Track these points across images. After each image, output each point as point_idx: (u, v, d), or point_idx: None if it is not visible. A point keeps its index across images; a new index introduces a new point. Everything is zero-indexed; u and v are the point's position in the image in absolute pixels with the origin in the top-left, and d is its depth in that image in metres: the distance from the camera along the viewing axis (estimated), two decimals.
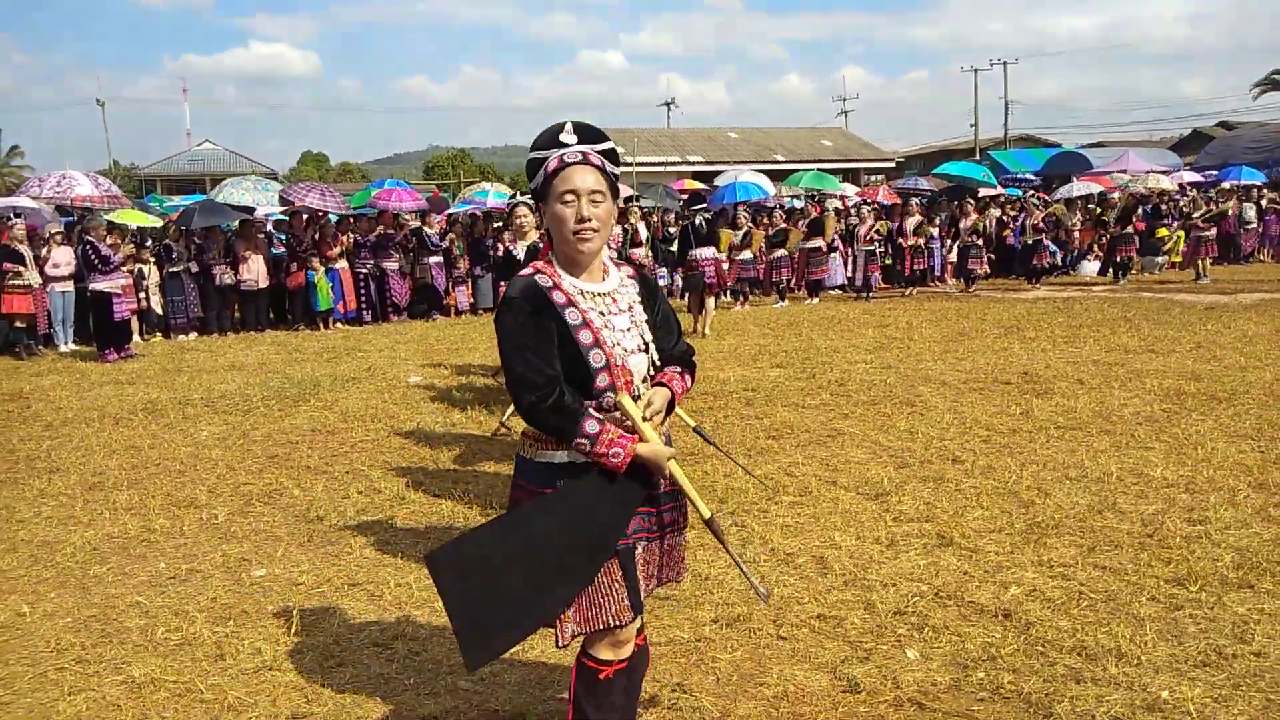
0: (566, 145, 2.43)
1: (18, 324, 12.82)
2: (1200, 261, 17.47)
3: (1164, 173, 24.87)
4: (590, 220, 2.36)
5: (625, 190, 16.48)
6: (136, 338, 13.59)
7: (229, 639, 3.78)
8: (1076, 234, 20.14)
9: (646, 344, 2.47)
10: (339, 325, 15.12)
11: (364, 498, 5.74)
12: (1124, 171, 24.07)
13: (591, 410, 2.35)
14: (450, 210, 19.92)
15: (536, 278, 2.42)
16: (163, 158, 53.22)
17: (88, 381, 10.63)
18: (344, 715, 3.19)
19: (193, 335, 14.43)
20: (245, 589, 4.35)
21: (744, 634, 3.73)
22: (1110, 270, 18.43)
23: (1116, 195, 20.38)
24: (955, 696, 3.22)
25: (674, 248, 14.89)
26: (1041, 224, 18.22)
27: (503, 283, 7.40)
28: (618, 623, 2.40)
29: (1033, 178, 25.59)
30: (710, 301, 13.13)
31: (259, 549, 4.88)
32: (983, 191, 20.47)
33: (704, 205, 19.92)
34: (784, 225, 17.34)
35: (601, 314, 2.42)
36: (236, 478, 6.25)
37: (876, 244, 17.22)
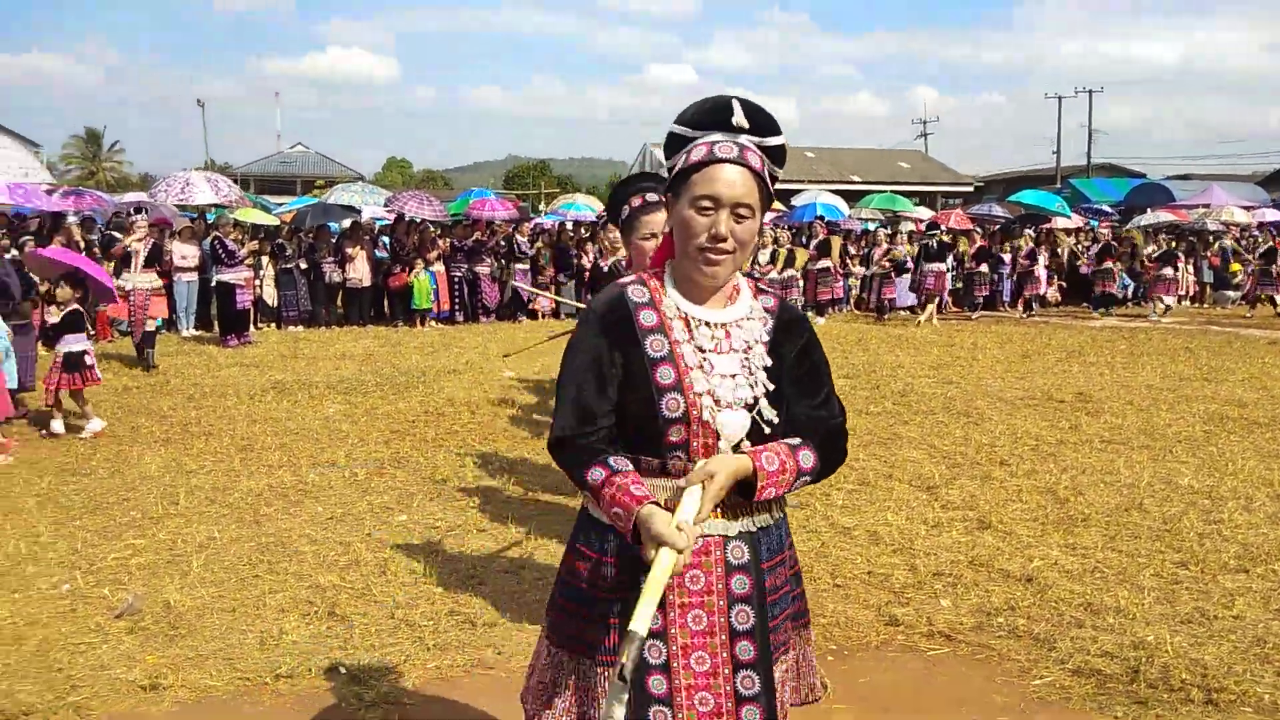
0: (734, 130, 1.95)
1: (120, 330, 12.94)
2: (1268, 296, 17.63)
3: (1248, 208, 24.86)
4: (726, 240, 1.89)
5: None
6: (252, 326, 14.79)
7: (388, 562, 4.70)
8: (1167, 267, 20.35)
9: (756, 398, 1.93)
10: (433, 324, 16.19)
11: (478, 467, 6.64)
12: (1207, 205, 24.14)
13: (610, 459, 1.88)
14: (538, 221, 20.99)
15: (630, 290, 1.99)
16: (254, 159, 55.60)
17: (215, 363, 11.78)
18: (488, 613, 4.08)
19: (300, 327, 15.61)
20: (393, 529, 5.27)
21: (806, 581, 4.48)
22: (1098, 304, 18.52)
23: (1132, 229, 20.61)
24: (978, 633, 3.97)
25: None
26: (1113, 253, 18.56)
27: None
28: None
29: (1109, 210, 25.74)
30: None
31: (398, 500, 5.81)
32: (1059, 222, 20.86)
33: None
34: (790, 246, 17.68)
35: (700, 349, 1.93)
36: (367, 446, 7.21)
37: (886, 269, 17.81)
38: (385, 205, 18.23)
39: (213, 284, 14.08)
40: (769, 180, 1.96)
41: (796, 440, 1.94)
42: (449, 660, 3.72)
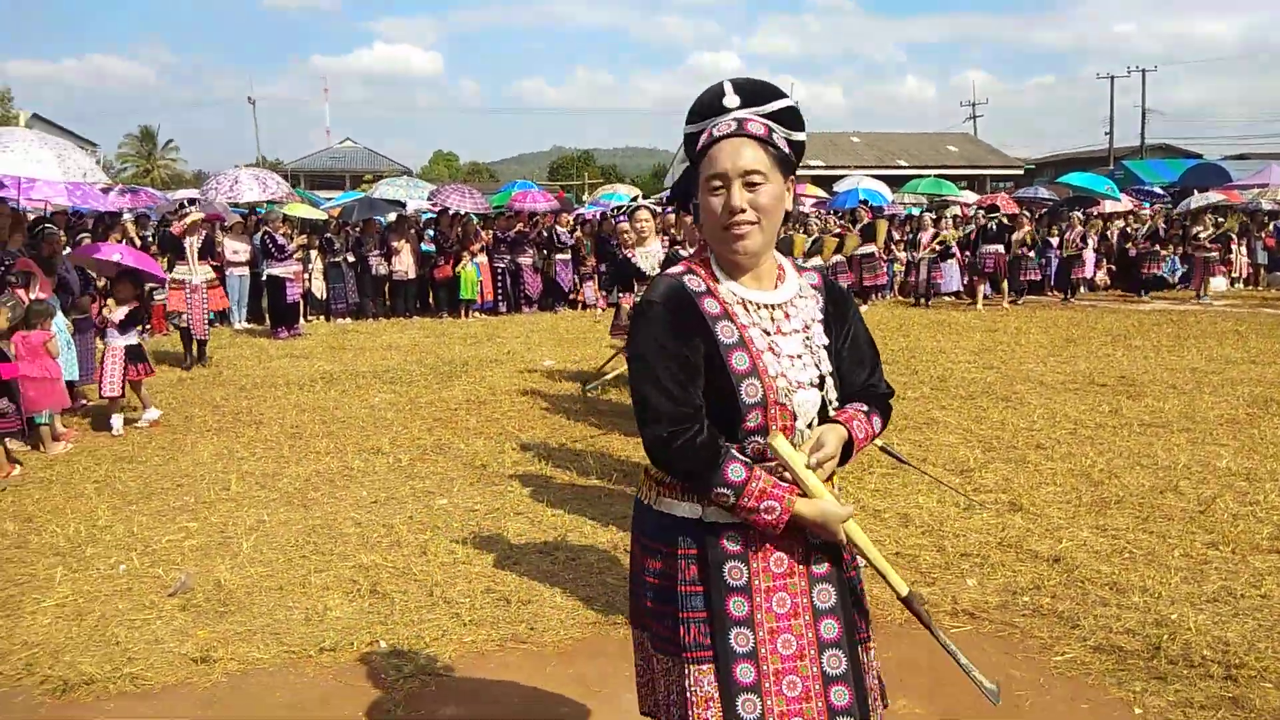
0: (727, 111, 1.97)
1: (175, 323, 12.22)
2: None
3: None
4: (745, 211, 1.89)
5: None
6: (302, 319, 15.14)
7: (428, 543, 4.87)
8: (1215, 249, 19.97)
9: (823, 378, 1.97)
10: (477, 314, 16.42)
11: (517, 453, 6.79)
12: (1265, 185, 23.57)
13: (734, 452, 1.88)
14: (579, 211, 21.14)
15: (686, 278, 1.97)
16: (304, 154, 56.43)
17: (266, 355, 12.10)
18: (523, 591, 4.23)
19: (348, 319, 15.93)
20: (434, 512, 5.44)
21: None
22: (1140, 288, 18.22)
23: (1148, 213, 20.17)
24: (1002, 612, 4.02)
25: None
26: (1162, 234, 18.25)
27: (621, 289, 7.61)
28: None
29: (1160, 191, 25.25)
30: None
31: (439, 485, 5.98)
32: (1109, 205, 20.54)
33: None
34: (840, 230, 17.47)
35: (766, 333, 1.94)
36: (411, 434, 7.40)
37: (935, 253, 17.65)
38: (429, 199, 18.50)
39: (263, 278, 14.45)
40: (785, 146, 1.96)
41: (865, 406, 2.03)
42: (484, 635, 3.87)
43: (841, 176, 28.17)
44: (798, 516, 1.86)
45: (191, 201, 16.35)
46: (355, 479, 6.18)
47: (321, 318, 15.95)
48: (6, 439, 6.64)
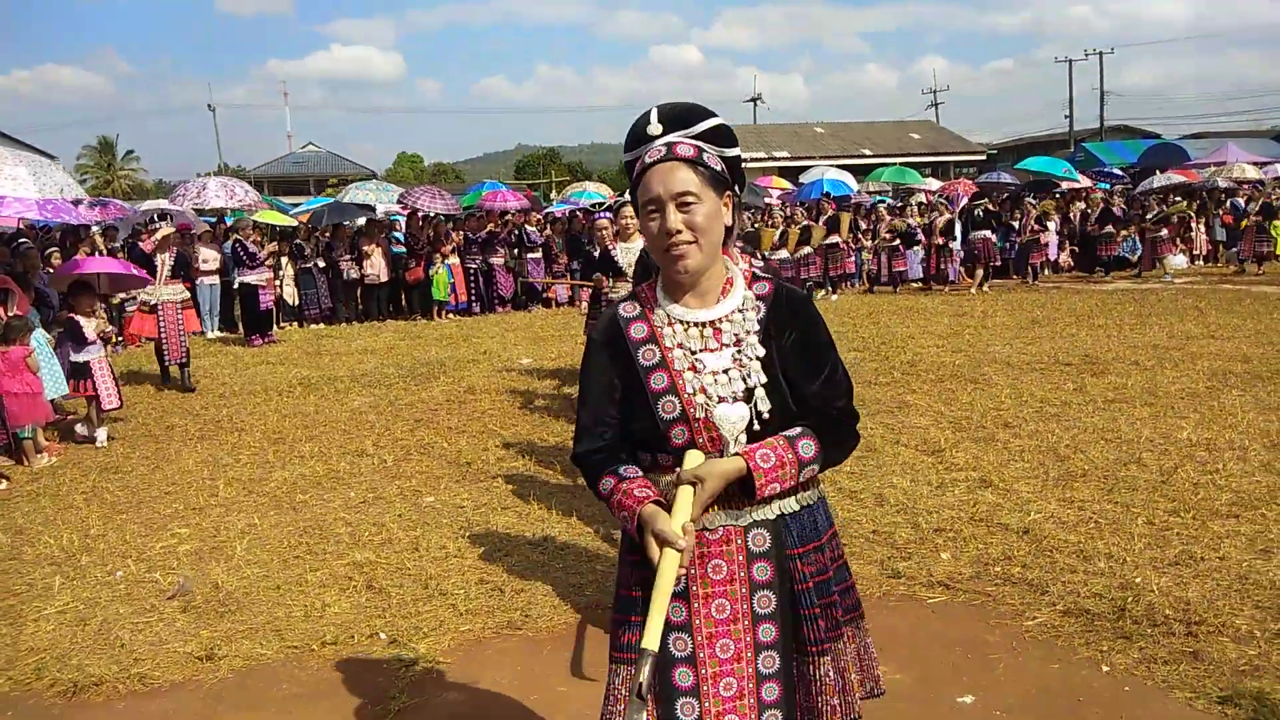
0: (654, 139, 2.02)
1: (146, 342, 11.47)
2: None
3: (1260, 164, 24.81)
4: (681, 231, 1.95)
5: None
6: (275, 325, 15.14)
7: (420, 539, 4.99)
8: (1164, 229, 20.40)
9: (750, 390, 1.97)
10: (450, 316, 16.48)
11: (500, 450, 6.92)
12: (1222, 164, 24.09)
13: (621, 468, 2.00)
14: (549, 210, 21.21)
15: (621, 309, 2.10)
16: (267, 160, 56.01)
17: (241, 362, 12.12)
18: (515, 581, 4.37)
19: (322, 324, 15.94)
20: (422, 510, 5.56)
21: None
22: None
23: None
24: (976, 582, 4.21)
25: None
26: (1120, 215, 18.66)
27: (599, 276, 7.45)
28: None
29: (1120, 172, 25.71)
30: None
31: (425, 484, 6.10)
32: (1066, 187, 20.92)
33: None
34: (807, 222, 17.67)
35: (692, 351, 2.00)
36: (393, 435, 7.50)
37: (888, 241, 18.11)
38: (399, 201, 18.54)
39: (235, 286, 14.44)
40: (718, 164, 2.00)
41: (796, 430, 1.97)
42: (480, 624, 4.01)
43: (807, 168, 28.44)
44: (642, 526, 1.89)
45: (163, 216, 16.23)
46: (342, 480, 6.28)
47: (295, 324, 15.95)
48: None
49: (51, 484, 6.61)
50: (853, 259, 18.18)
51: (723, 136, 2.04)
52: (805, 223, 17.37)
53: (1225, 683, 3.24)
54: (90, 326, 7.87)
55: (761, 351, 1.99)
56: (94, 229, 14.70)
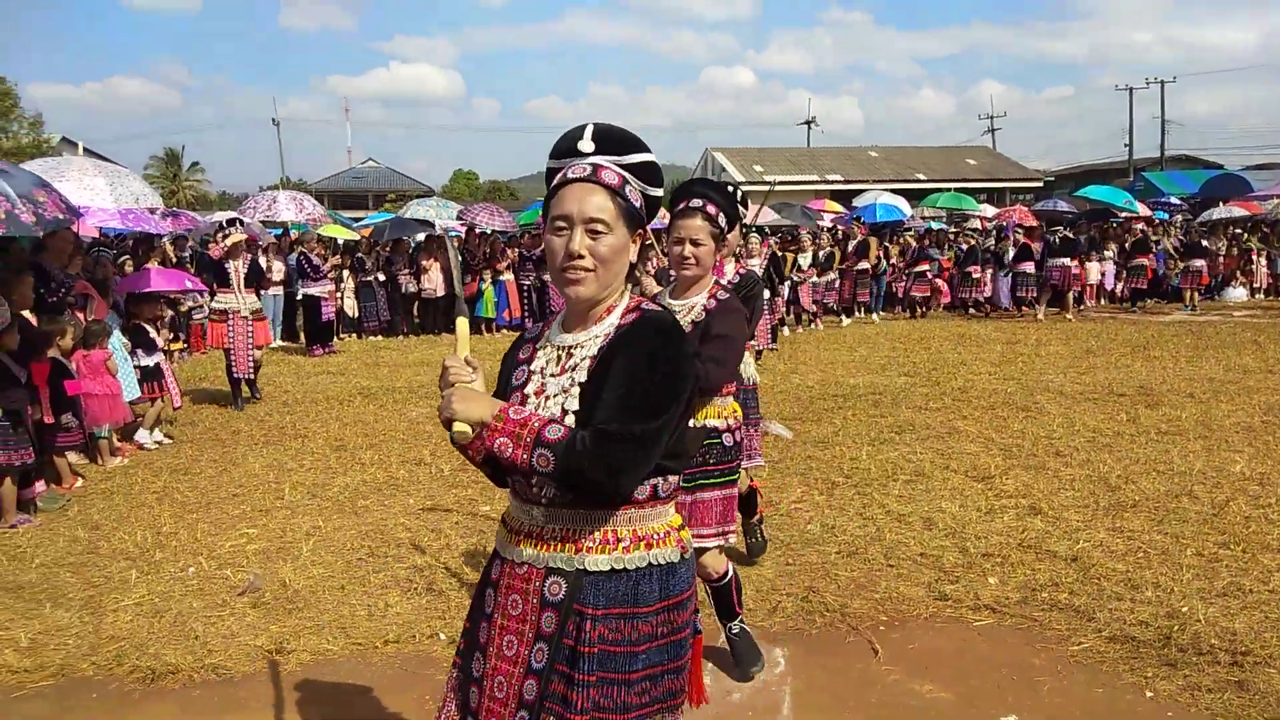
0: (583, 155, 1.99)
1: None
2: None
3: None
4: (583, 257, 1.92)
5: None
6: (335, 336, 15.52)
7: (477, 546, 5.16)
8: (1221, 259, 20.13)
9: (564, 414, 1.92)
10: (503, 331, 16.76)
11: None
12: None
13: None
14: None
15: (530, 326, 2.19)
16: (328, 174, 57.18)
17: (303, 371, 12.47)
18: None
19: (380, 336, 16.30)
20: (479, 519, 5.73)
21: (860, 562, 4.85)
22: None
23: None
24: (1022, 607, 4.27)
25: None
26: (1178, 247, 18.47)
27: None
28: None
29: (1178, 201, 25.36)
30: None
31: (480, 494, 6.27)
32: (1125, 216, 20.71)
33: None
34: (830, 248, 17.52)
35: (541, 373, 2.02)
36: (449, 445, 7.68)
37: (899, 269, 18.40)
38: (458, 217, 18.92)
39: (298, 297, 14.84)
40: (638, 200, 1.98)
41: (557, 420, 1.88)
42: None
43: (860, 191, 28.41)
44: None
45: (231, 223, 16.65)
46: (401, 488, 6.48)
47: (354, 335, 16.33)
48: (69, 452, 6.99)
49: (124, 483, 6.89)
50: (878, 285, 18.26)
51: (651, 174, 2.02)
52: (829, 248, 17.32)
53: (1270, 713, 3.27)
54: (155, 332, 8.23)
55: (583, 378, 1.93)
56: (164, 238, 15.21)
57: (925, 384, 10.15)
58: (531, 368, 2.04)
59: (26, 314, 6.49)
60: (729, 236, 3.68)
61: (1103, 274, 18.93)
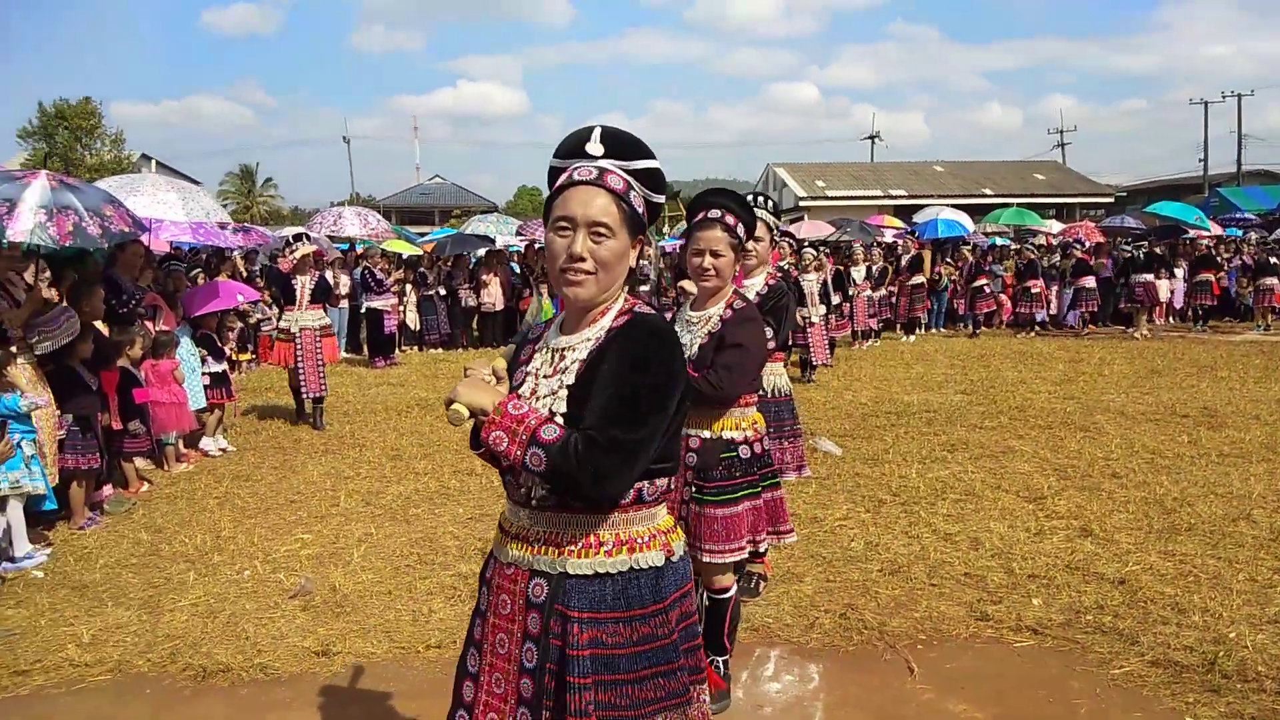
0: (590, 157, 2.01)
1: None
2: None
3: None
4: (584, 260, 1.93)
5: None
6: (397, 349, 15.84)
7: None
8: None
9: (552, 415, 1.92)
10: None
11: None
12: None
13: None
14: (661, 244, 21.55)
15: (534, 329, 2.20)
16: (396, 190, 58.38)
17: (365, 382, 12.74)
18: None
19: (440, 349, 16.58)
20: None
21: (902, 580, 4.83)
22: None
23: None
24: (1065, 629, 4.21)
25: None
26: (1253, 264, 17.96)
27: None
28: None
29: (1254, 217, 24.65)
30: None
31: None
32: (1194, 234, 20.18)
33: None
34: (885, 263, 17.27)
35: (535, 375, 2.04)
36: None
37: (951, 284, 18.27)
38: (518, 232, 19.20)
39: (362, 310, 15.18)
40: (641, 206, 2.01)
41: (554, 420, 1.89)
42: None
43: (922, 206, 28.08)
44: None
45: (298, 238, 17.03)
46: (452, 497, 6.61)
47: (415, 348, 16.64)
48: (137, 458, 7.26)
49: (188, 488, 7.14)
50: (932, 300, 18.09)
51: (655, 181, 2.05)
52: (882, 264, 17.15)
53: None
54: (222, 341, 8.55)
55: (572, 380, 1.95)
56: (235, 253, 15.69)
57: (982, 402, 10.02)
58: (528, 369, 2.07)
59: (98, 324, 6.76)
60: (758, 248, 3.67)
61: (1172, 291, 18.47)
